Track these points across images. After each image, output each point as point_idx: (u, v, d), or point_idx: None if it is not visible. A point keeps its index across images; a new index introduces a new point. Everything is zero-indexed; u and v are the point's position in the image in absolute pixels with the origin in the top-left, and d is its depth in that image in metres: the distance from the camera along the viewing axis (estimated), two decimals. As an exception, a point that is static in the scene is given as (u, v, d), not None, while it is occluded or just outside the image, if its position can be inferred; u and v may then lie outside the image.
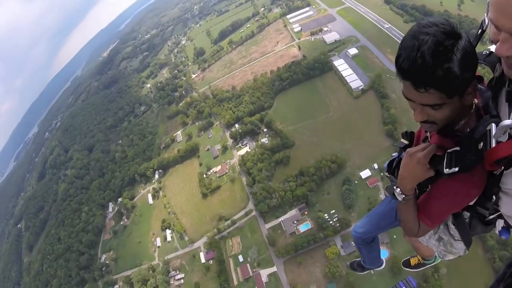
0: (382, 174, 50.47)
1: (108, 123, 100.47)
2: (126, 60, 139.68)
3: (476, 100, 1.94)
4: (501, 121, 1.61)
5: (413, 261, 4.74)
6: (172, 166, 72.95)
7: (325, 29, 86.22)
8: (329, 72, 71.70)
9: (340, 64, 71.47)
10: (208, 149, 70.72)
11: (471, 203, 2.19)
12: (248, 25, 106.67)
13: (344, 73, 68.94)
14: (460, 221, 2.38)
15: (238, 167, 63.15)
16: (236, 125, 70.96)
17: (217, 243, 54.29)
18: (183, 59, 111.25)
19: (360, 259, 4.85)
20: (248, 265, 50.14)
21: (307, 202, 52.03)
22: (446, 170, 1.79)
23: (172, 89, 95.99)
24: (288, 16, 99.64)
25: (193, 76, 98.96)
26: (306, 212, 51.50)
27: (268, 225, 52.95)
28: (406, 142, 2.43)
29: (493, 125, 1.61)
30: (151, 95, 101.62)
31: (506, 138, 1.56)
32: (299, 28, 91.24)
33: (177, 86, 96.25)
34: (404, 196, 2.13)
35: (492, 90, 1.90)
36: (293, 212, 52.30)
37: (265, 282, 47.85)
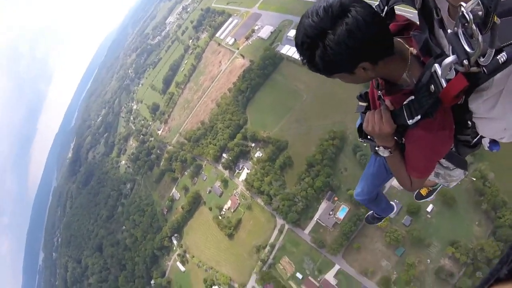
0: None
1: (104, 216, 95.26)
2: (91, 150, 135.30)
3: (413, 50, 1.90)
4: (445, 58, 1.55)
5: (424, 192, 4.72)
6: (184, 225, 69.01)
7: (256, 28, 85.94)
8: (281, 62, 70.78)
9: (288, 50, 70.79)
10: (210, 191, 67.45)
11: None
12: (186, 61, 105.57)
13: (295, 56, 67.89)
14: (449, 154, 2.33)
15: (247, 192, 60.17)
16: (224, 155, 68.23)
17: (269, 274, 50.62)
18: (142, 122, 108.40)
19: (371, 212, 4.89)
20: (310, 277, 46.93)
21: (332, 188, 49.50)
22: (409, 122, 1.81)
23: (147, 154, 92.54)
24: (217, 35, 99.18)
25: (160, 132, 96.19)
26: (336, 198, 48.93)
27: (307, 230, 49.95)
28: (364, 104, 2.41)
29: (436, 65, 1.56)
30: (130, 170, 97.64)
31: (454, 74, 1.53)
32: (232, 40, 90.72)
33: (150, 149, 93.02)
34: (389, 149, 2.16)
35: (425, 25, 1.81)
36: (323, 205, 49.53)
37: (335, 285, 44.68)
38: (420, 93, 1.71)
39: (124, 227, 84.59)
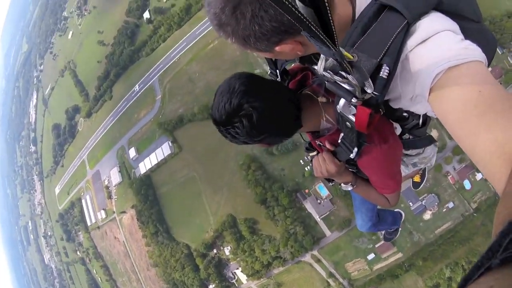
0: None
1: None
2: None
3: (322, 99, 1.87)
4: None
5: (417, 179, 4.47)
6: None
7: (106, 182, 79.47)
8: (152, 178, 66.70)
9: (144, 167, 67.35)
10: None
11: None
12: (95, 270, 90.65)
13: (154, 162, 65.01)
14: (409, 143, 2.23)
15: (261, 279, 53.30)
16: (211, 286, 58.54)
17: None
18: None
19: (383, 231, 4.82)
20: (376, 246, 44.54)
21: (295, 190, 47.75)
22: (352, 156, 1.77)
23: None
24: (88, 223, 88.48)
25: None
26: (306, 191, 47.44)
27: (327, 233, 47.10)
28: (314, 153, 2.27)
29: (337, 107, 1.55)
30: None
31: (355, 109, 1.46)
32: (103, 212, 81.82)
33: None
34: (350, 183, 2.12)
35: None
36: (309, 205, 47.17)
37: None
38: (344, 130, 1.69)
39: None
